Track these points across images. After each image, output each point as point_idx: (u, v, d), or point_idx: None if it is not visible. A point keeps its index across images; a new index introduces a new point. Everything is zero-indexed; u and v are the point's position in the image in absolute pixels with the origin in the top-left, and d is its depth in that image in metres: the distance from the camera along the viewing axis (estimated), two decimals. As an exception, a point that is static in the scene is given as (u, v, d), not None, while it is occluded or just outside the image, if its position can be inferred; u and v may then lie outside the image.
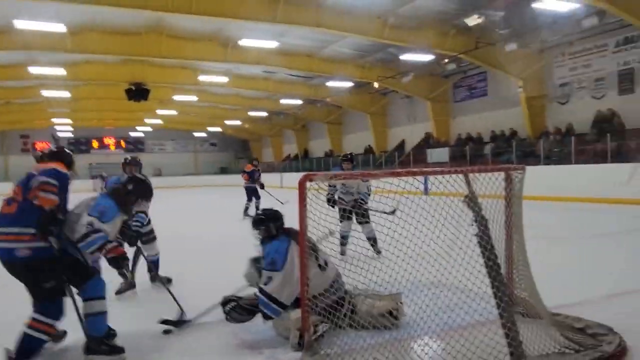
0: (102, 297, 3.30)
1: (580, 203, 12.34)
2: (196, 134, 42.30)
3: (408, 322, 3.51)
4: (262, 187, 12.26)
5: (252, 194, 12.12)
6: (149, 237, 5.18)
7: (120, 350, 3.27)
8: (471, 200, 2.99)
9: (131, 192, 3.77)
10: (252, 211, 11.21)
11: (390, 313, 3.52)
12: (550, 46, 17.23)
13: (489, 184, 3.21)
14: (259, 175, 12.46)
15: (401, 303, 3.61)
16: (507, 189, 3.35)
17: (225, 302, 3.64)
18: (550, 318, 3.30)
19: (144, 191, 4.09)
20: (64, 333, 3.54)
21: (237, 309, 3.58)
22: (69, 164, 3.51)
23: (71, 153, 3.71)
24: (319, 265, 3.53)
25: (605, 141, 13.91)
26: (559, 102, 17.65)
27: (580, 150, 14.79)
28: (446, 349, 2.89)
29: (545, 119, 18.02)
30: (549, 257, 5.66)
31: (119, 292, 4.74)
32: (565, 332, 3.17)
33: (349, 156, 6.53)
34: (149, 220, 5.17)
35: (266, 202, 10.74)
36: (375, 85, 22.71)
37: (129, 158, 5.66)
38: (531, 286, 3.42)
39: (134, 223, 4.63)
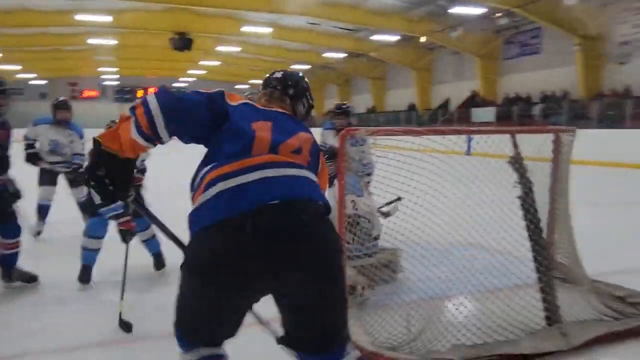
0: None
1: (634, 169, 11.81)
2: (238, 87, 42.46)
3: (444, 281, 3.51)
4: None
5: None
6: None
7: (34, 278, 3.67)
8: (516, 162, 2.90)
9: None
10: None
11: (387, 266, 3.57)
12: (614, 1, 16.09)
13: (536, 145, 3.10)
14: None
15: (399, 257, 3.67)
16: (555, 152, 3.23)
17: None
18: (590, 285, 3.23)
19: None
20: (36, 277, 3.74)
21: None
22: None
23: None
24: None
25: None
26: (618, 62, 16.63)
27: (637, 113, 14.03)
28: (481, 310, 2.88)
29: (601, 79, 17.07)
30: (594, 223, 5.48)
31: None
32: (604, 300, 3.11)
33: (344, 108, 5.10)
34: None
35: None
36: (422, 39, 21.97)
37: None
38: (573, 252, 3.34)
39: None
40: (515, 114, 17.99)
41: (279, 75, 2.01)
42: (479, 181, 3.09)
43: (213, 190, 1.53)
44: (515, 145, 2.91)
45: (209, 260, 1.50)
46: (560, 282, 3.07)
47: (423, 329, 2.70)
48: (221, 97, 1.72)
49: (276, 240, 1.45)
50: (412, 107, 26.49)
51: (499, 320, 2.76)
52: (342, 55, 27.84)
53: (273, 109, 1.83)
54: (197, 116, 1.65)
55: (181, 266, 1.57)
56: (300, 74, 2.07)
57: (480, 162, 3.18)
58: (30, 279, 3.68)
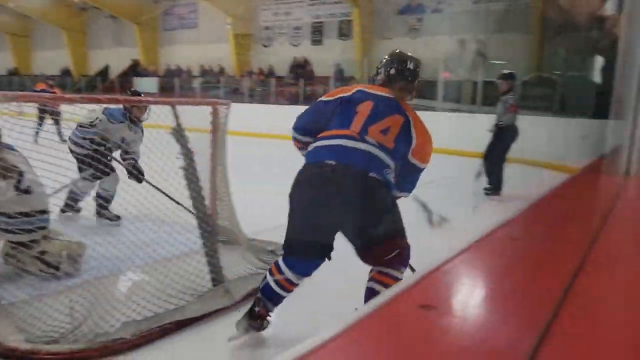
0: None
1: (272, 139, 13.70)
2: None
3: (109, 258, 3.32)
4: None
5: None
6: None
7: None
8: (178, 133, 2.95)
9: None
10: None
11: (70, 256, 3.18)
12: (258, -13, 18.10)
13: (196, 117, 3.22)
14: None
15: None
16: (213, 123, 3.44)
17: None
18: (247, 244, 3.62)
19: None
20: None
21: None
22: None
23: None
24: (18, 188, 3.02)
25: (299, 85, 15.67)
26: (263, 45, 18.86)
27: (279, 91, 16.29)
28: (150, 282, 2.87)
29: (250, 58, 19.06)
30: (247, 187, 6.14)
31: None
32: (259, 255, 3.54)
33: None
34: None
35: None
36: (74, -3, 19.87)
37: None
38: (232, 215, 3.66)
39: None
40: (178, 86, 18.37)
41: (390, 60, 2.55)
42: (143, 153, 3.02)
43: (317, 143, 2.32)
44: (177, 117, 2.95)
45: (304, 177, 2.28)
46: (223, 245, 3.33)
47: (89, 313, 2.51)
48: (323, 104, 2.47)
49: (325, 182, 2.19)
50: (66, 72, 23.81)
51: (168, 289, 2.80)
52: (-33, 1, 22.65)
53: (378, 93, 2.41)
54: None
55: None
56: (411, 58, 2.56)
57: (147, 133, 3.11)
58: None
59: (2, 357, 2.19)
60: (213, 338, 2.51)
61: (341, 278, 2.80)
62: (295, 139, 2.60)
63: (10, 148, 3.08)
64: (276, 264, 2.37)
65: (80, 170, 4.21)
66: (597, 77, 10.92)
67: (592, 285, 0.80)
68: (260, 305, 2.39)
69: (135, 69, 21.77)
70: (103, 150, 4.00)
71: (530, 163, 8.94)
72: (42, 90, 10.61)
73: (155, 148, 3.13)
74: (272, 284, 2.35)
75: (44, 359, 2.18)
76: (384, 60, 2.57)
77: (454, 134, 10.33)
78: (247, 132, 13.74)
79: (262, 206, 5.48)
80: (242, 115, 11.63)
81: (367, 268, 2.34)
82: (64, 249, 3.16)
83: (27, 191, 3.06)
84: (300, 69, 16.75)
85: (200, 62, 19.53)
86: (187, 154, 2.96)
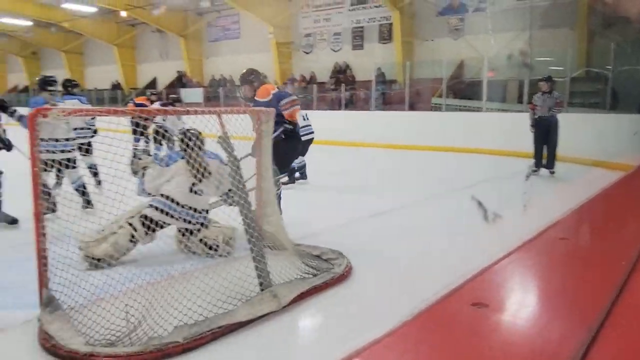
0: None
1: (318, 145, 13.75)
2: None
3: (161, 264, 3.44)
4: None
5: None
6: None
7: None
8: (225, 141, 3.02)
9: None
10: None
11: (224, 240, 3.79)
12: (297, -4, 18.33)
13: (241, 125, 3.29)
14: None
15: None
16: (257, 131, 3.50)
17: None
18: (293, 249, 3.65)
19: None
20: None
21: None
22: None
23: None
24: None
25: (340, 90, 15.71)
26: (304, 52, 19.04)
27: (321, 97, 16.38)
28: (200, 287, 2.94)
29: (292, 66, 19.27)
30: (291, 192, 6.21)
31: None
32: (305, 260, 3.56)
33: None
34: None
35: None
36: (123, 14, 20.69)
37: None
38: (278, 220, 3.71)
39: None
40: (222, 95, 18.79)
41: None
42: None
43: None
44: (223, 125, 3.03)
45: None
46: (270, 250, 3.38)
47: (143, 317, 2.61)
48: None
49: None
50: (116, 86, 24.81)
51: (217, 294, 2.87)
52: (26, 22, 23.97)
53: None
54: None
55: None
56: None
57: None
58: None
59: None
60: (262, 342, 2.55)
61: (386, 279, 2.79)
62: None
63: (215, 156, 3.86)
64: None
65: None
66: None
67: (648, 285, 0.78)
68: None
69: (181, 80, 22.43)
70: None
71: (580, 162, 8.63)
72: (141, 104, 10.48)
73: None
74: None
75: (103, 361, 2.27)
76: None
77: (500, 134, 10.10)
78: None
79: (307, 211, 5.53)
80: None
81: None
82: (219, 234, 3.80)
83: (197, 192, 3.79)
84: (341, 74, 16.79)
85: (243, 71, 19.88)
86: (233, 161, 3.03)
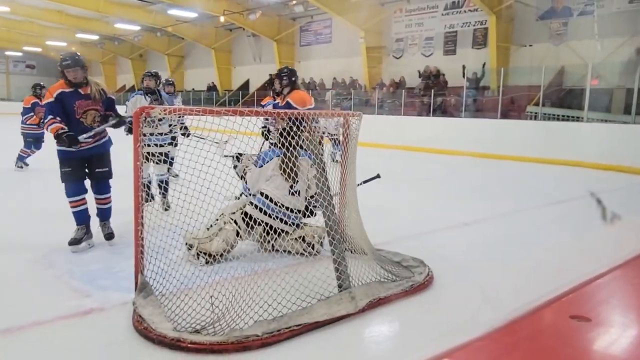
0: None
1: (405, 151, 13.61)
2: (9, 53, 36.43)
3: (247, 259, 3.57)
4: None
5: None
6: None
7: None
8: (312, 143, 3.07)
9: None
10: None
11: (303, 240, 3.85)
12: (390, 1, 18.18)
13: (329, 128, 3.33)
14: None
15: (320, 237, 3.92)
16: (344, 134, 3.52)
17: None
18: (373, 253, 3.63)
19: None
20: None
21: None
22: None
23: None
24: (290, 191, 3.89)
25: (430, 96, 15.40)
26: (394, 56, 18.90)
27: (409, 102, 16.15)
28: (281, 285, 3.01)
29: (381, 70, 19.20)
30: (373, 197, 6.17)
31: None
32: (385, 265, 3.53)
33: (151, 73, 5.99)
34: None
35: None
36: (222, 19, 21.76)
37: None
38: (359, 224, 3.71)
39: None
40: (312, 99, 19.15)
41: None
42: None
43: None
44: (311, 129, 3.08)
45: None
46: (350, 253, 3.39)
47: (227, 308, 2.71)
48: None
49: None
50: (212, 88, 26.14)
51: (297, 292, 2.92)
52: (136, 27, 25.95)
53: None
54: None
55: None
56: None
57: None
58: None
59: (153, 342, 2.46)
60: (338, 345, 2.56)
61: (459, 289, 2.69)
62: None
63: (308, 156, 3.89)
64: None
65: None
66: None
67: None
68: None
69: (272, 83, 23.08)
70: None
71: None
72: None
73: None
74: None
75: (188, 348, 2.40)
76: None
77: (603, 146, 9.38)
78: (373, 144, 13.83)
79: (389, 216, 5.48)
80: (372, 127, 11.76)
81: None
82: (313, 233, 3.91)
83: (293, 194, 3.91)
84: (433, 79, 16.44)
85: (334, 75, 20.15)
86: (319, 164, 3.07)
